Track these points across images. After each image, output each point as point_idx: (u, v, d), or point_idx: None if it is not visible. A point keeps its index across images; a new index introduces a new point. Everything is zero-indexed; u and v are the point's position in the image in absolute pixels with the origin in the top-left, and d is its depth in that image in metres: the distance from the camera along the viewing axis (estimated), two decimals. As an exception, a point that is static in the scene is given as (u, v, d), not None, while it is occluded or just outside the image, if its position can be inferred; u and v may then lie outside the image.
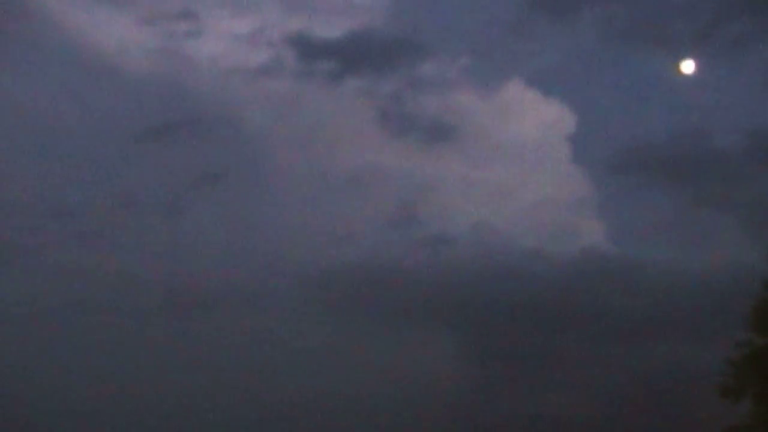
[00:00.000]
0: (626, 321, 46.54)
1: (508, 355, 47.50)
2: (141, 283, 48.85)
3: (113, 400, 45.54)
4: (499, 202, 53.81)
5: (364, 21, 55.93)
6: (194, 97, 54.41)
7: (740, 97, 51.87)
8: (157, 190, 52.40)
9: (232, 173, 53.17)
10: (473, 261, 50.19)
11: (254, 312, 48.65)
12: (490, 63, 56.34)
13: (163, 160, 52.41)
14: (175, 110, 53.04)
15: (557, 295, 47.73)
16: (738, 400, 26.98)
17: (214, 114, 53.96)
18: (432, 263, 50.41)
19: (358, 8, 56.79)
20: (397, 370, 46.94)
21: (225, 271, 50.17)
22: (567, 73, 55.03)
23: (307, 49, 54.37)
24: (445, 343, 48.36)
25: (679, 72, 47.28)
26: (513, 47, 55.41)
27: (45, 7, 53.68)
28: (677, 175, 51.59)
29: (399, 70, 54.97)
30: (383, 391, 46.22)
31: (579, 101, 53.20)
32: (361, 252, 51.63)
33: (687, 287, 46.04)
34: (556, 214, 53.21)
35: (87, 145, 52.09)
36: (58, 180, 51.35)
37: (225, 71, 54.93)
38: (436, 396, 46.33)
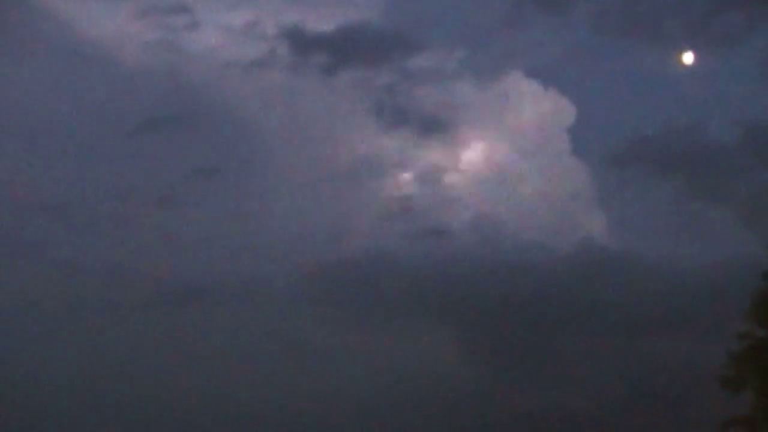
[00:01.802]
0: (625, 314, 46.49)
1: (506, 349, 47.48)
2: (136, 277, 48.76)
3: (107, 394, 45.50)
4: (497, 194, 54.00)
5: (359, 14, 55.89)
6: (189, 90, 54.38)
7: (735, 90, 52.07)
8: (152, 183, 52.38)
9: (226, 166, 53.21)
10: (471, 254, 50.09)
11: (250, 306, 48.59)
12: (487, 55, 56.52)
13: (157, 153, 52.43)
14: (169, 103, 53.09)
15: (556, 288, 47.75)
16: (738, 391, 26.76)
17: (209, 107, 53.97)
18: (429, 256, 50.32)
19: (354, 2, 56.88)
20: (394, 364, 46.90)
21: (221, 264, 50.12)
22: (562, 66, 55.26)
23: (301, 42, 54.46)
24: (443, 336, 48.24)
25: (679, 64, 47.57)
26: (509, 40, 55.52)
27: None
28: (674, 168, 51.69)
29: (394, 62, 54.93)
30: (380, 384, 46.20)
31: (576, 94, 53.30)
32: (358, 245, 51.61)
33: (685, 280, 46.02)
34: (555, 207, 53.37)
35: (82, 138, 52.06)
36: (51, 173, 51.27)
37: (219, 65, 54.96)
38: (434, 390, 46.22)
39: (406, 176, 54.39)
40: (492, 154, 54.74)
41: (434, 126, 54.67)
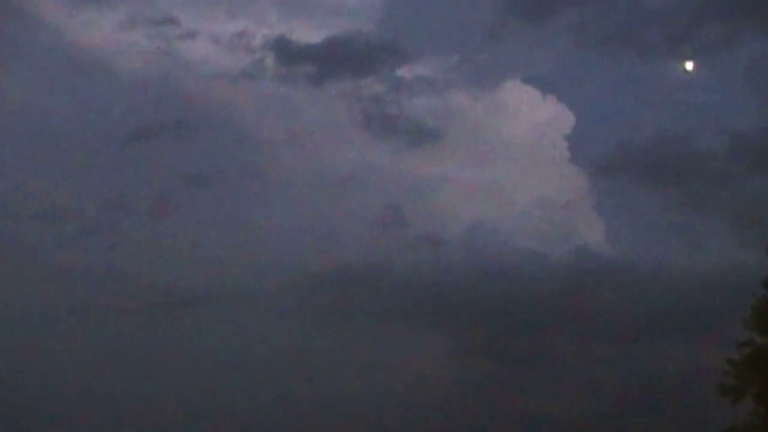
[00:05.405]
0: (620, 321, 46.81)
1: (502, 355, 47.70)
2: (131, 284, 48.73)
3: (103, 400, 45.56)
4: (493, 202, 54.07)
5: (348, 25, 55.97)
6: (180, 99, 54.41)
7: (721, 99, 52.56)
8: (145, 190, 52.46)
9: (219, 175, 53.33)
10: (467, 261, 50.26)
11: (244, 314, 48.60)
12: (481, 64, 56.76)
13: (150, 161, 52.45)
14: (161, 112, 53.21)
15: (551, 295, 47.80)
16: (738, 399, 27.00)
17: (200, 117, 54.09)
18: (424, 264, 50.45)
19: (344, 12, 57.11)
20: (389, 371, 47.00)
21: (214, 272, 50.05)
22: (558, 74, 55.46)
23: (287, 53, 54.61)
24: (438, 343, 48.45)
25: (667, 73, 48.06)
26: (498, 50, 55.79)
27: (34, 6, 53.78)
28: (665, 177, 52.07)
29: (383, 72, 55.00)
30: (374, 391, 46.32)
31: (574, 102, 53.62)
32: (351, 253, 51.58)
33: (680, 287, 46.29)
34: (551, 215, 53.61)
35: (76, 146, 52.00)
36: (47, 181, 51.29)
37: (208, 75, 55.07)
38: (428, 396, 46.43)
39: (399, 185, 54.54)
40: (488, 162, 54.96)
41: (428, 134, 54.80)
